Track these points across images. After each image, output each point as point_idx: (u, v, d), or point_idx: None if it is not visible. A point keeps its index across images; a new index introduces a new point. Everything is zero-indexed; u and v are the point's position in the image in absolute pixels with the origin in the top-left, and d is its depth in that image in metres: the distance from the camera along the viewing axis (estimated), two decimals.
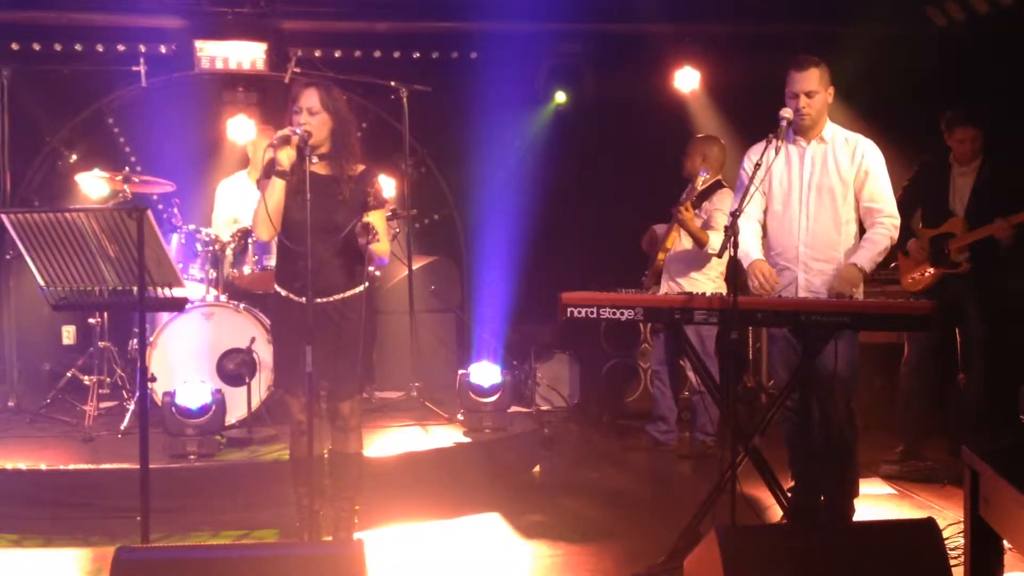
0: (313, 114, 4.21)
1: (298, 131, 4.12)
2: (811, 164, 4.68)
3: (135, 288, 3.87)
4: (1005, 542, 3.02)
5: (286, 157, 4.16)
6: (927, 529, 3.22)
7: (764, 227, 4.85)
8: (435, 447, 5.83)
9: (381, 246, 4.30)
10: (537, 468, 6.26)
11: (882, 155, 4.69)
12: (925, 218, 5.94)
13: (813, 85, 4.58)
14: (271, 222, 4.23)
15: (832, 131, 4.71)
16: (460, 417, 6.16)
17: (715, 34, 8.06)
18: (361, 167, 4.35)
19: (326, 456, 4.52)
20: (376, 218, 4.32)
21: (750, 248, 4.68)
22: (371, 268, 4.55)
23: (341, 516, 4.46)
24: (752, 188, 4.51)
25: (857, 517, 4.79)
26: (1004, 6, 6.97)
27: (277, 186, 4.20)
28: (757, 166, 4.43)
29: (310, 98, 4.22)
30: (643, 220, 6.89)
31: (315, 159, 4.27)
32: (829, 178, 4.66)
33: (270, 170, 4.23)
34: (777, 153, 4.53)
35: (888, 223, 4.62)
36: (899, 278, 6.10)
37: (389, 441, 5.83)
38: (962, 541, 3.83)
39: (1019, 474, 2.54)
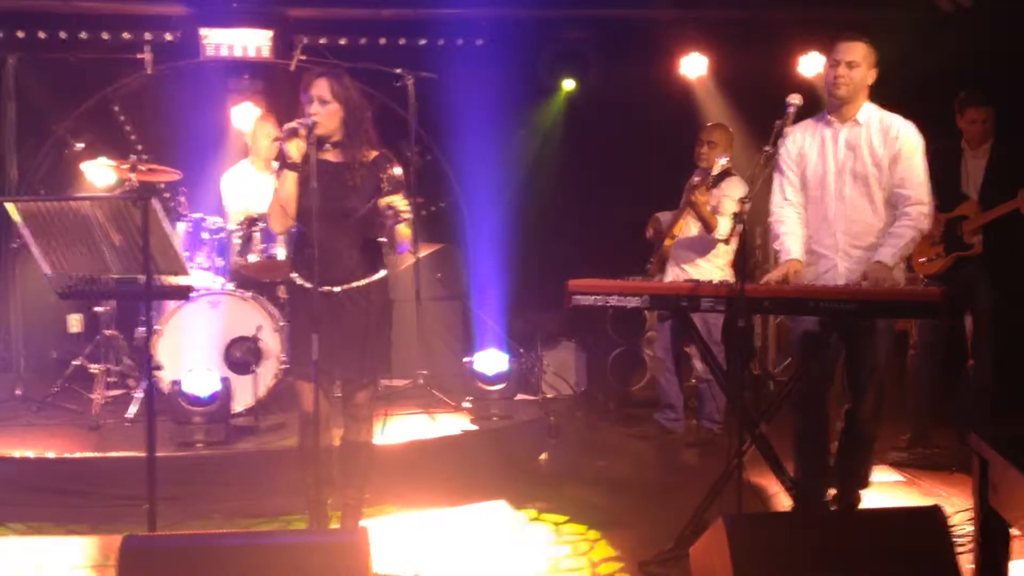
0: (324, 103, 4.19)
1: (306, 122, 4.11)
2: (845, 148, 4.56)
3: (141, 277, 3.87)
4: (1014, 530, 3.02)
5: (295, 149, 4.15)
6: (932, 517, 3.22)
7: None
8: (442, 435, 5.83)
9: (403, 230, 4.27)
10: (544, 456, 6.26)
11: (920, 138, 4.55)
12: (939, 203, 5.90)
13: (856, 56, 4.48)
14: (285, 214, 4.22)
15: (868, 113, 4.57)
16: (467, 405, 6.17)
17: (722, 19, 8.03)
18: (374, 153, 4.32)
19: (336, 445, 4.52)
20: (395, 202, 4.30)
21: (791, 245, 4.58)
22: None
23: (349, 505, 4.45)
24: (787, 172, 4.48)
25: (865, 504, 4.77)
26: None
27: (289, 178, 4.19)
28: (767, 154, 4.36)
29: (321, 87, 4.20)
30: (649, 207, 6.88)
31: (328, 147, 4.26)
32: (863, 163, 4.53)
33: (282, 163, 4.22)
34: (784, 139, 4.49)
35: (915, 212, 4.48)
36: (911, 261, 6.08)
37: (396, 429, 5.82)
38: (969, 528, 3.83)
39: None
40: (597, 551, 4.56)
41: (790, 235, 4.61)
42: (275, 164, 4.33)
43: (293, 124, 4.12)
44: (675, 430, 6.71)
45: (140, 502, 3.97)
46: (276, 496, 5.02)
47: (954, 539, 3.25)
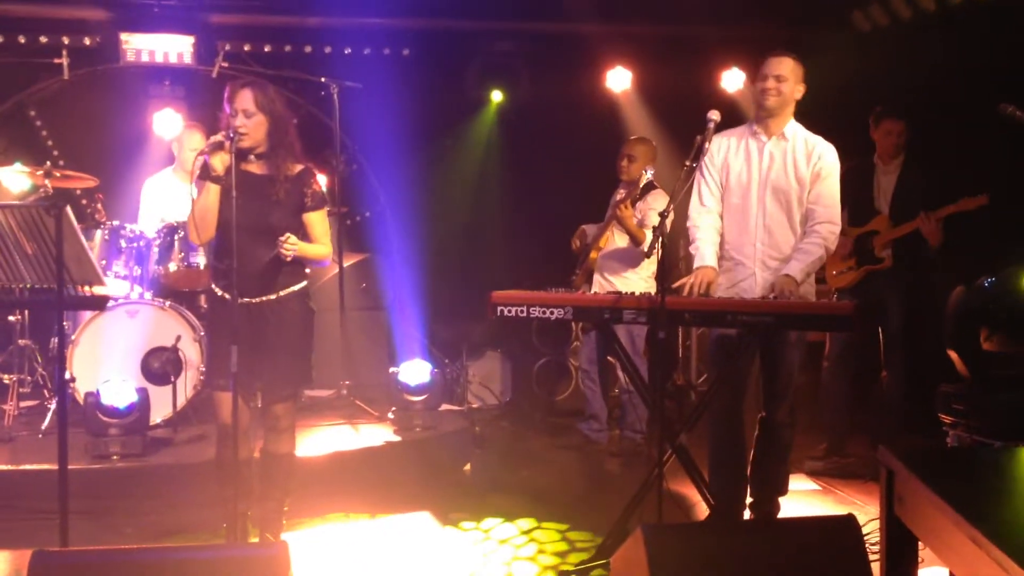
0: (249, 116, 4.16)
1: (231, 136, 4.07)
2: (769, 160, 4.64)
3: (55, 286, 3.79)
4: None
5: (220, 162, 4.11)
6: (847, 525, 3.28)
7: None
8: (365, 446, 5.80)
9: (322, 248, 4.31)
10: (468, 466, 6.26)
11: (838, 161, 4.67)
12: (851, 217, 6.05)
13: (784, 71, 4.58)
14: (205, 227, 4.18)
15: (794, 130, 4.68)
16: (391, 415, 6.14)
17: (647, 35, 8.13)
18: (299, 167, 4.31)
19: (256, 456, 4.48)
20: (317, 218, 4.32)
21: (706, 251, 4.64)
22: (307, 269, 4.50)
23: (269, 517, 4.42)
24: (708, 178, 4.62)
25: (782, 513, 4.86)
26: (927, 12, 7.14)
27: (212, 191, 4.16)
28: (688, 169, 4.45)
29: (245, 100, 4.16)
30: (576, 218, 6.93)
31: (251, 158, 4.23)
32: (786, 177, 4.62)
33: (205, 174, 4.17)
34: (704, 155, 4.58)
35: (824, 230, 4.59)
36: (825, 274, 6.20)
37: (319, 440, 5.79)
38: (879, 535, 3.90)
39: (933, 474, 2.60)
40: (519, 560, 4.56)
41: (705, 241, 4.67)
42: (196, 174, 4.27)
43: (218, 137, 4.09)
44: (599, 440, 6.76)
45: (54, 516, 3.88)
46: (193, 510, 4.94)
47: (868, 547, 3.32)
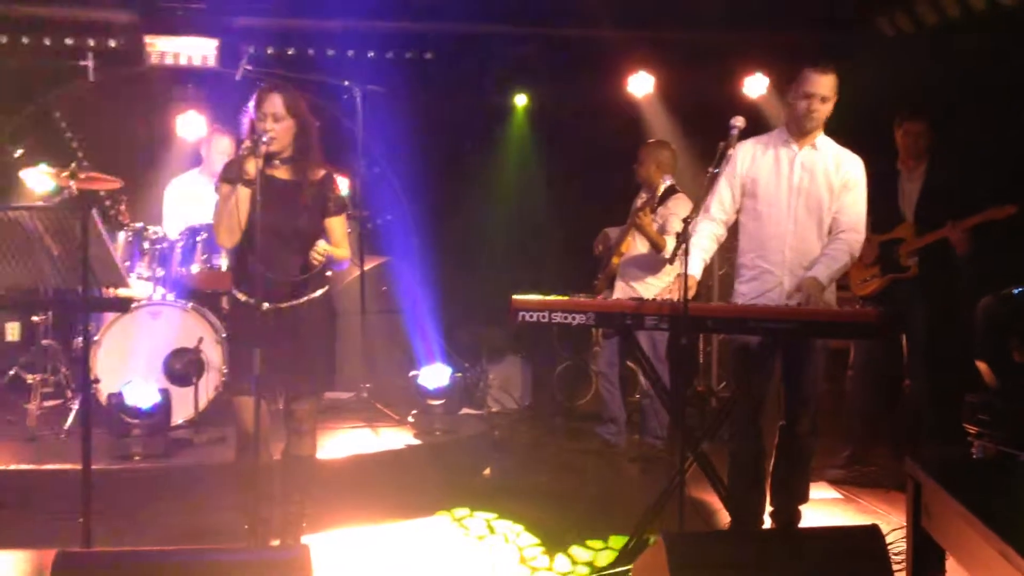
0: (278, 120, 4.17)
1: (265, 139, 4.07)
2: (801, 170, 4.61)
3: (80, 288, 3.80)
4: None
5: (253, 166, 4.11)
6: (871, 535, 3.25)
7: (735, 226, 4.75)
8: (385, 449, 5.80)
9: (343, 251, 4.34)
10: (487, 470, 6.25)
11: (864, 173, 4.64)
12: (875, 224, 6.00)
13: (828, 91, 4.51)
14: (236, 230, 4.17)
15: (824, 141, 4.65)
16: (411, 419, 6.14)
17: (669, 40, 8.11)
18: (321, 172, 4.33)
19: (277, 459, 4.48)
20: (338, 222, 4.34)
21: (694, 258, 4.58)
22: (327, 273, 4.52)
23: (289, 520, 4.42)
24: (723, 187, 4.57)
25: (803, 522, 4.82)
26: (952, 17, 7.09)
27: (244, 195, 4.14)
28: (712, 175, 4.41)
29: (275, 104, 4.16)
30: (598, 222, 6.92)
31: (276, 163, 4.24)
32: (817, 187, 4.59)
33: (234, 178, 4.16)
34: (728, 162, 4.55)
35: (849, 237, 4.57)
36: (848, 282, 6.16)
37: (339, 442, 5.79)
38: (906, 546, 3.88)
39: (960, 486, 2.57)
40: (538, 566, 4.55)
41: (696, 247, 4.62)
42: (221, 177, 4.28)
43: (256, 141, 4.07)
44: (617, 444, 6.74)
45: (76, 516, 3.90)
46: (215, 512, 4.94)
47: (891, 558, 3.30)
